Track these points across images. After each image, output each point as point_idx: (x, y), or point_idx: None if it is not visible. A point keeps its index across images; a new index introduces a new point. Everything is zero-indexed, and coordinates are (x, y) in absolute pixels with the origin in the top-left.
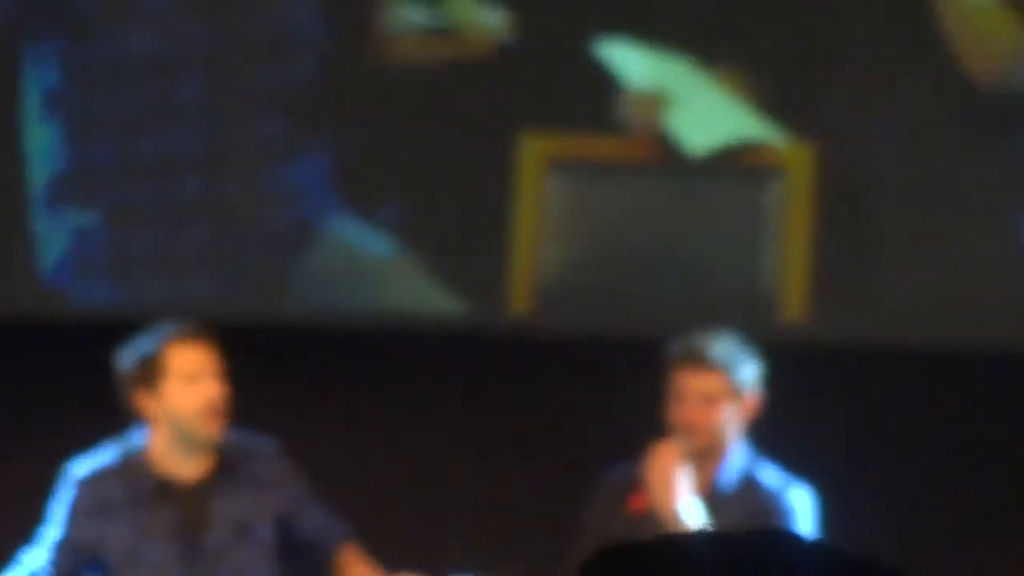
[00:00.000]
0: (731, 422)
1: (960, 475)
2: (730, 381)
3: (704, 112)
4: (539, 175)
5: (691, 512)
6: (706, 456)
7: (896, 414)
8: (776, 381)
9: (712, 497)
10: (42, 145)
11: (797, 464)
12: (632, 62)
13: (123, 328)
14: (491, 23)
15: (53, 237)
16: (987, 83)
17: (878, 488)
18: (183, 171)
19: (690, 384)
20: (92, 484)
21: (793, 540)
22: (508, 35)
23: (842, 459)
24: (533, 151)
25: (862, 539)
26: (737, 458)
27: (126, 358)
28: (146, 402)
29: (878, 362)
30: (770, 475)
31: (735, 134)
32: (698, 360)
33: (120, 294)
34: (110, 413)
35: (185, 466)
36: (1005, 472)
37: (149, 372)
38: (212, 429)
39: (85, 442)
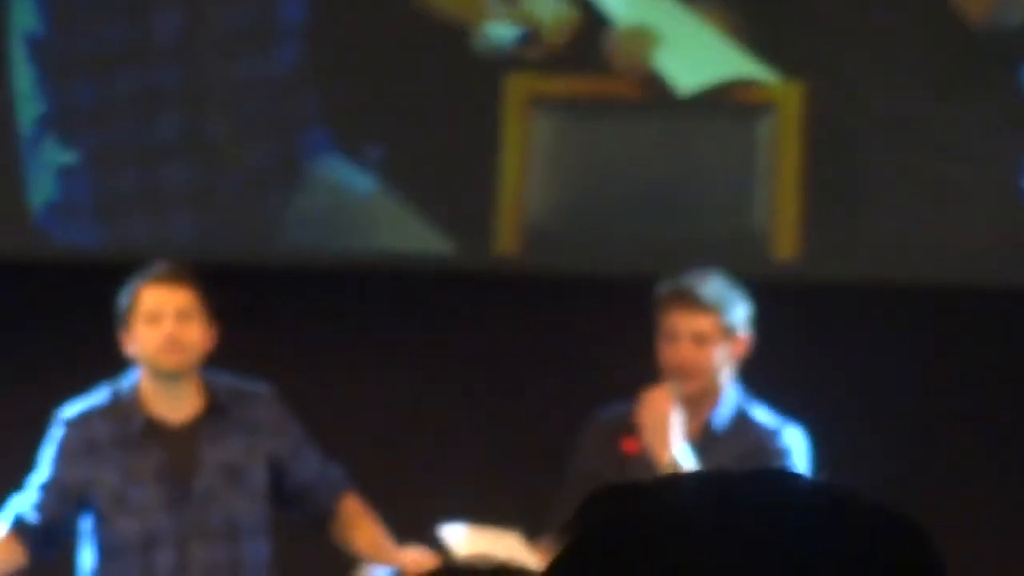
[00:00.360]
0: (723, 363)
1: (949, 410)
2: (722, 321)
3: (692, 50)
4: (525, 114)
5: (685, 457)
6: (700, 399)
7: (887, 351)
8: (767, 319)
9: (706, 438)
10: (26, 86)
11: (789, 402)
12: None
13: (112, 269)
14: (563, 15)
15: (40, 178)
16: (979, 20)
17: (871, 424)
18: (164, 109)
19: (682, 325)
20: (81, 424)
21: (789, 479)
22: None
23: (833, 396)
24: (518, 90)
25: (854, 476)
26: (730, 399)
27: (118, 302)
28: (127, 343)
29: (869, 299)
30: (763, 415)
31: (724, 72)
32: (690, 300)
33: (106, 235)
34: (100, 355)
35: (174, 408)
36: (994, 407)
37: (127, 314)
38: (171, 361)
39: (77, 384)
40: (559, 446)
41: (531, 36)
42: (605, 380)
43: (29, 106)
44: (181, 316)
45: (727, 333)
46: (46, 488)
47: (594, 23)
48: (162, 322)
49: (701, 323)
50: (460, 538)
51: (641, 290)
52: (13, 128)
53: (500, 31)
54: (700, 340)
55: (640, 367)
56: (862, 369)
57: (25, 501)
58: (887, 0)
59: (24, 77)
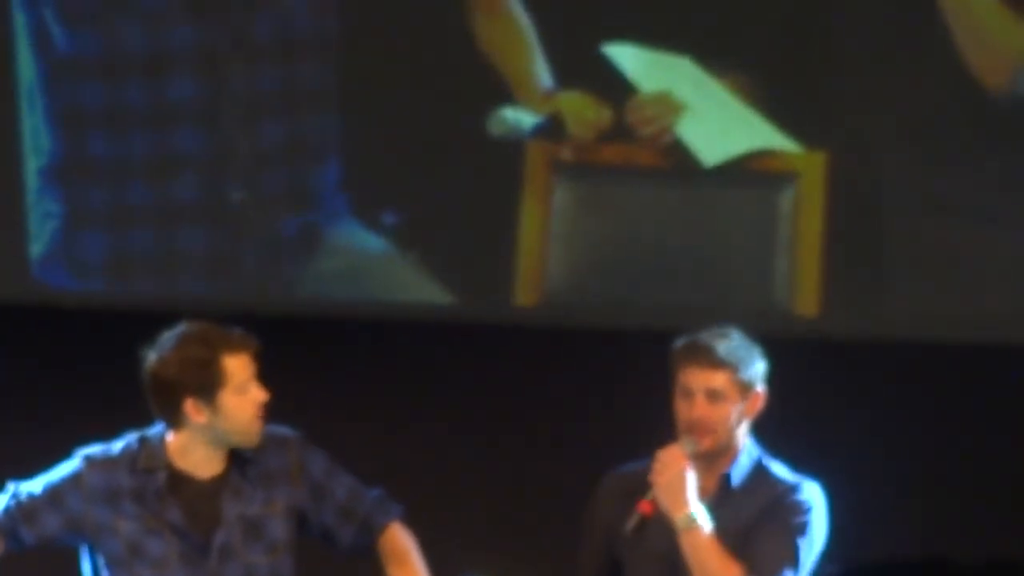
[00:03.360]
0: (739, 420)
1: (967, 468)
2: (737, 378)
3: (715, 119)
4: (544, 178)
5: (700, 516)
6: (716, 455)
7: (905, 409)
8: (785, 377)
9: (724, 493)
10: (33, 136)
11: (808, 459)
12: (641, 66)
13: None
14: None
15: (42, 231)
16: (995, 86)
17: (890, 482)
18: (182, 171)
19: (696, 381)
20: (103, 468)
21: None
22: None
23: (851, 452)
24: (538, 154)
25: (871, 533)
26: (747, 453)
27: (169, 363)
28: (196, 409)
29: (889, 358)
30: (781, 470)
31: (746, 144)
32: (704, 356)
33: (112, 292)
34: (106, 401)
35: (202, 464)
36: (1012, 465)
37: (204, 381)
38: (259, 430)
39: (80, 430)
40: (572, 497)
41: (553, 126)
42: (621, 433)
43: (37, 155)
44: (259, 382)
45: (743, 390)
46: (50, 510)
47: (622, 125)
48: (250, 391)
49: (715, 380)
50: None
51: (657, 345)
52: (18, 179)
53: (519, 117)
54: (714, 397)
55: (655, 421)
56: (880, 426)
57: (20, 515)
58: (907, 70)
59: (33, 125)
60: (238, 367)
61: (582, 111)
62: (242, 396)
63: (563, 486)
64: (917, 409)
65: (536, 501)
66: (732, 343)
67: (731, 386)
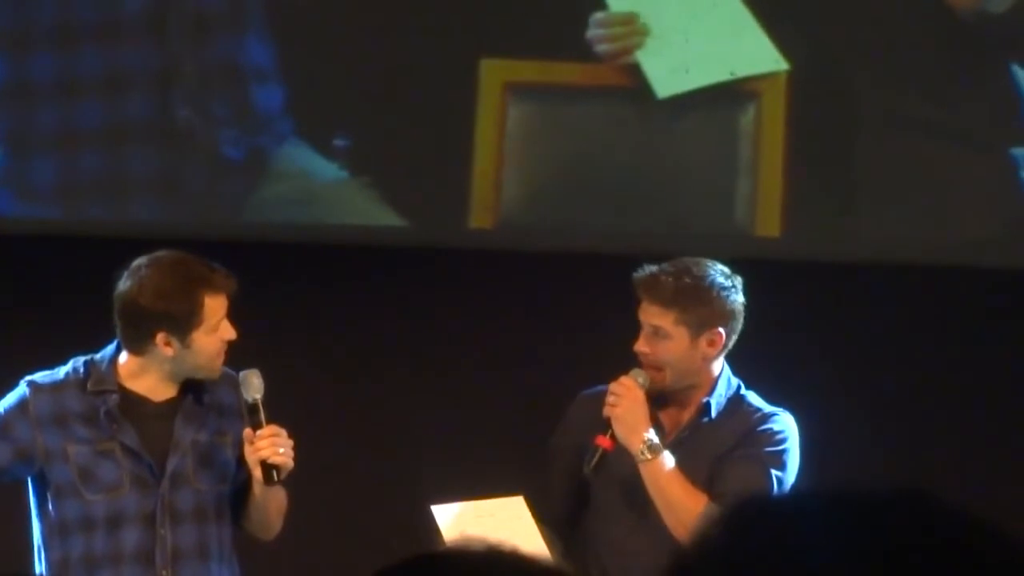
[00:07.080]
0: (697, 358)
1: (932, 390)
2: (685, 319)
3: (678, 50)
4: (501, 99)
5: (655, 445)
6: (684, 389)
7: (870, 331)
8: (748, 301)
9: (702, 421)
10: None
11: (769, 381)
12: None
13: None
14: None
15: None
16: (966, 6)
17: (853, 406)
18: (130, 90)
19: (645, 315)
20: (52, 392)
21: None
22: None
23: (815, 377)
24: (494, 76)
25: (838, 458)
26: (724, 383)
27: (147, 293)
28: (166, 342)
29: (850, 282)
30: (756, 400)
31: (707, 79)
32: (651, 292)
33: (60, 215)
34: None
35: (157, 388)
36: (971, 384)
37: (181, 318)
38: (219, 368)
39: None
40: (527, 420)
41: None
42: (577, 356)
43: None
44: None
45: (694, 330)
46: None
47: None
48: (220, 330)
49: (660, 318)
50: (451, 519)
51: (613, 267)
52: None
53: None
54: (658, 334)
55: (610, 344)
56: (843, 349)
57: None
58: None
59: None
60: (215, 307)
61: None
62: (213, 335)
63: (519, 409)
64: (881, 332)
65: (494, 424)
66: (688, 281)
67: (677, 327)
